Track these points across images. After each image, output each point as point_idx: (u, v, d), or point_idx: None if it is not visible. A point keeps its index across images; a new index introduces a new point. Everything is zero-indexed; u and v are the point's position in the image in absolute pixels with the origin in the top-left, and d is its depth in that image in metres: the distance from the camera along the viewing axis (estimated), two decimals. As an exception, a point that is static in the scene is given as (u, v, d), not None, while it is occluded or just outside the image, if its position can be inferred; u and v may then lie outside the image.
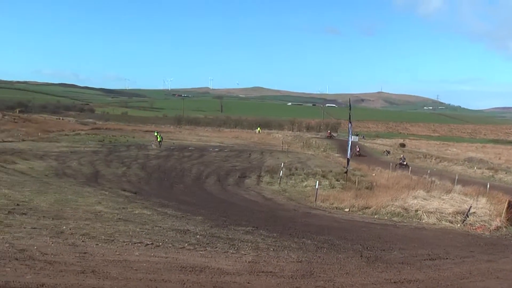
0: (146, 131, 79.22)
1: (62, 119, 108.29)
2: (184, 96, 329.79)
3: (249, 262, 9.83)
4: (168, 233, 11.99)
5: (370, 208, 22.27)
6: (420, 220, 19.98)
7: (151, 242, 10.57)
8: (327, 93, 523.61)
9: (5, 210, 12.80)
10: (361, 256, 11.61)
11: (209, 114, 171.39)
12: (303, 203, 24.91)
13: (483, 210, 20.25)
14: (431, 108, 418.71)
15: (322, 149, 65.07)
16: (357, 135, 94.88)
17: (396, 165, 49.11)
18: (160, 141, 50.80)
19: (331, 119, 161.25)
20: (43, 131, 63.72)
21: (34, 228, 10.92)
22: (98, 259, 8.79)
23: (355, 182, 30.65)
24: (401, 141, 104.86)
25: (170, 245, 10.60)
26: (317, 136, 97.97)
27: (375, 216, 21.01)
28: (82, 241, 10.10)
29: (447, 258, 12.29)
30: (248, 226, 14.43)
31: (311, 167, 37.71)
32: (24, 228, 10.82)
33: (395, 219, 20.30)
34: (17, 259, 8.12)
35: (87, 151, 42.51)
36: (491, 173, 50.00)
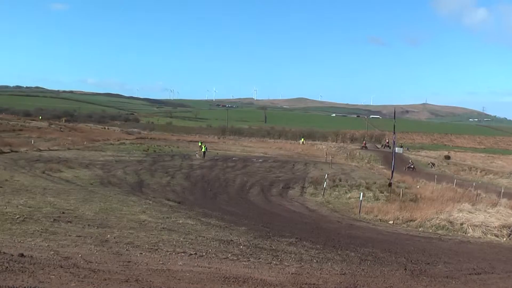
0: (190, 141, 79.96)
1: (108, 129, 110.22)
2: (228, 106, 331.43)
3: (292, 273, 9.68)
4: (212, 243, 11.95)
5: (414, 220, 21.94)
6: (465, 233, 19.58)
7: (194, 252, 10.54)
8: (371, 104, 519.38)
9: (50, 218, 12.98)
10: (405, 269, 11.35)
11: (253, 125, 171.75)
12: (346, 215, 24.66)
13: (530, 224, 19.70)
14: (476, 120, 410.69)
15: (366, 161, 64.51)
16: (401, 147, 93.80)
17: (405, 168, 56.26)
18: (204, 151, 51.03)
19: (375, 130, 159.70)
20: (88, 140, 64.93)
21: (79, 236, 11.03)
22: (142, 268, 8.79)
23: (400, 194, 30.22)
24: (446, 153, 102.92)
25: (213, 255, 10.55)
26: (361, 148, 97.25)
27: (420, 229, 20.66)
28: (126, 249, 10.15)
29: (492, 273, 11.94)
30: (291, 238, 14.28)
31: (355, 179, 37.37)
32: (69, 236, 10.94)
33: (440, 232, 19.91)
34: (61, 267, 8.16)
35: (132, 160, 43.05)
36: (538, 187, 48.60)
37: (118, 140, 71.34)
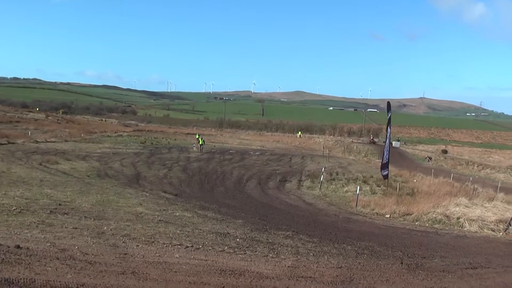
0: (188, 133, 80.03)
1: (105, 121, 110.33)
2: (225, 99, 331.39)
3: (288, 266, 9.70)
4: (208, 235, 11.96)
5: (411, 214, 21.91)
6: (461, 227, 19.56)
7: (191, 245, 10.56)
8: (369, 98, 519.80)
9: (47, 210, 12.99)
10: (402, 263, 11.37)
11: (251, 118, 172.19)
12: (343, 208, 24.63)
13: (527, 219, 19.72)
14: (474, 114, 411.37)
15: (363, 155, 64.47)
16: (398, 141, 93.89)
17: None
18: (201, 144, 50.96)
19: (373, 124, 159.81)
20: (85, 132, 64.95)
21: (75, 228, 11.03)
22: (139, 260, 8.81)
23: (396, 188, 30.20)
24: (443, 147, 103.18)
25: (210, 247, 10.57)
26: (358, 141, 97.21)
27: (416, 223, 20.65)
28: (123, 242, 10.16)
29: (489, 267, 11.93)
30: (288, 231, 14.28)
31: (352, 172, 37.39)
32: (66, 228, 10.94)
33: (436, 226, 19.89)
34: (58, 259, 8.17)
35: (129, 152, 43.02)
36: (535, 181, 48.74)
37: (115, 132, 71.36)
